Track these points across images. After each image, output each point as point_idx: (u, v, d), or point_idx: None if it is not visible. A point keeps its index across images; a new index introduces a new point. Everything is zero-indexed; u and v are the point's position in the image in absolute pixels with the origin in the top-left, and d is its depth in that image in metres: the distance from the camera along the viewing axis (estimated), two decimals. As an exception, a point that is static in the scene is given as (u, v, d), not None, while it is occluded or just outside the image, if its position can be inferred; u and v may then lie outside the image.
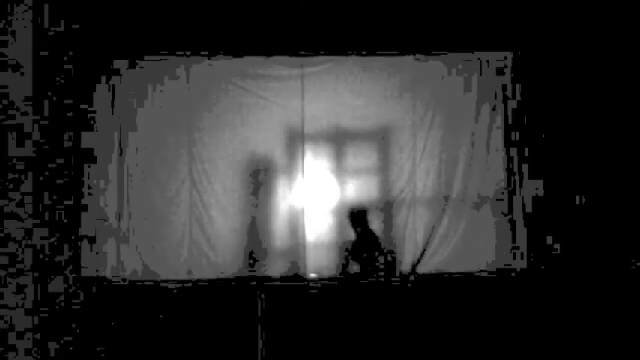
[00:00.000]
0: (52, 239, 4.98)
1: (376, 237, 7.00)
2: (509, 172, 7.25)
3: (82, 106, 6.54)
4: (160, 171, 7.07)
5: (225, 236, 7.00)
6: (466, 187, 7.26)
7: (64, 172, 5.38)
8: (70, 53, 5.71)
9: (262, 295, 5.23)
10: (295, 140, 7.26)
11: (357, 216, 7.07)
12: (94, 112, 6.92)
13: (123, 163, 7.02)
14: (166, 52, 7.03)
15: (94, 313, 5.06)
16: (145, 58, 7.08)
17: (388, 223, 7.18)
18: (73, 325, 4.84)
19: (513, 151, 7.24)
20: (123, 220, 6.95)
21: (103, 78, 6.99)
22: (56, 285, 4.94)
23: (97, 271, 6.64)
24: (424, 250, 7.21)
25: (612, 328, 4.86)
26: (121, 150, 7.03)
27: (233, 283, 6.52)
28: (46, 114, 5.05)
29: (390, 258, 6.94)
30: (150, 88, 7.11)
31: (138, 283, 6.64)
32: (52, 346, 4.60)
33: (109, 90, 7.02)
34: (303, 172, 7.26)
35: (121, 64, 7.05)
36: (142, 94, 7.09)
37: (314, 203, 7.24)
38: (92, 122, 6.91)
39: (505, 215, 7.22)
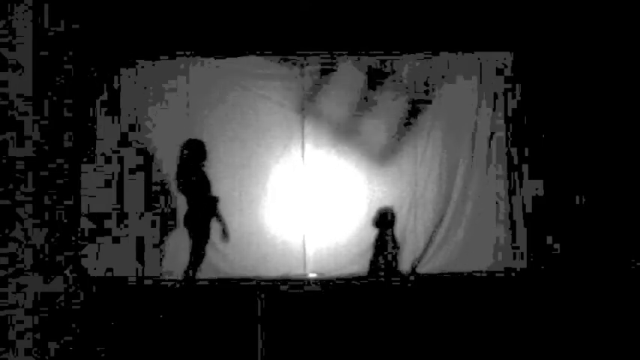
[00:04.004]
0: (52, 239, 4.98)
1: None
2: (510, 172, 7.25)
3: (82, 107, 6.53)
4: (160, 171, 7.07)
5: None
6: (466, 187, 7.27)
7: (64, 172, 5.38)
8: (70, 53, 5.71)
9: (262, 295, 5.22)
10: (296, 139, 7.26)
11: (390, 218, 7.02)
12: (94, 112, 6.92)
13: (122, 163, 7.02)
14: (167, 53, 7.04)
15: (94, 313, 5.06)
16: (146, 58, 7.09)
17: (388, 223, 7.18)
18: (73, 325, 4.84)
19: (513, 151, 7.24)
20: (120, 220, 6.96)
21: (103, 79, 6.99)
22: (56, 285, 4.94)
23: (94, 269, 6.65)
24: (425, 251, 7.20)
25: (612, 328, 4.86)
26: (120, 150, 7.03)
27: (233, 283, 6.53)
28: (46, 114, 5.06)
29: (390, 258, 6.94)
30: (150, 88, 7.12)
31: (138, 283, 6.64)
32: (52, 346, 4.60)
33: (109, 90, 7.02)
34: (303, 171, 7.26)
35: (120, 64, 7.05)
36: (142, 94, 7.09)
37: (314, 203, 7.24)
38: (92, 122, 6.91)
39: (505, 215, 7.22)
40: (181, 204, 6.21)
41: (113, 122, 7.00)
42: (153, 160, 7.05)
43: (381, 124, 7.29)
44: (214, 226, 5.81)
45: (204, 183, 5.78)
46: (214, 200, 5.78)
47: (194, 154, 5.78)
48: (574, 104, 6.93)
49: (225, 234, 5.77)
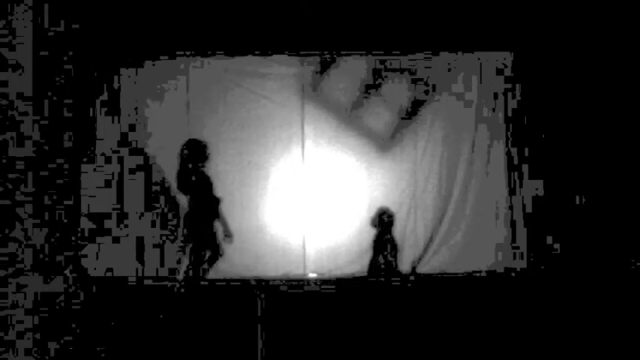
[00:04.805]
0: (52, 239, 4.98)
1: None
2: (510, 172, 7.25)
3: (82, 107, 6.53)
4: (159, 171, 7.07)
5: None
6: (466, 187, 7.27)
7: (64, 172, 5.38)
8: (70, 53, 5.70)
9: (262, 295, 5.22)
10: (295, 139, 7.26)
11: (389, 218, 6.99)
12: (94, 112, 6.92)
13: (122, 163, 7.01)
14: (167, 53, 7.04)
15: (94, 313, 5.06)
16: (146, 58, 7.08)
17: (388, 223, 7.17)
18: (73, 325, 4.84)
19: (513, 151, 7.24)
20: (120, 220, 6.95)
21: (103, 79, 6.98)
22: (56, 285, 4.94)
23: (94, 269, 6.64)
24: (425, 251, 7.20)
25: (612, 328, 4.86)
26: (120, 150, 7.02)
27: (233, 283, 6.52)
28: (46, 114, 5.05)
29: (389, 257, 6.93)
30: (150, 89, 7.11)
31: (138, 283, 6.64)
32: (52, 346, 4.60)
33: (109, 90, 7.02)
34: (303, 170, 7.26)
35: (120, 64, 7.04)
36: (142, 95, 7.09)
37: (314, 203, 7.24)
38: (92, 122, 6.91)
39: (505, 215, 7.22)
40: (181, 204, 6.23)
41: (113, 122, 7.00)
42: (153, 160, 7.05)
43: (381, 124, 7.29)
44: (216, 227, 5.80)
45: (206, 183, 5.77)
46: (216, 201, 5.78)
47: (195, 154, 5.78)
48: (574, 104, 6.93)
49: (227, 234, 5.77)
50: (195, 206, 5.73)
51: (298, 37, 6.96)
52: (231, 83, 7.23)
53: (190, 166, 5.75)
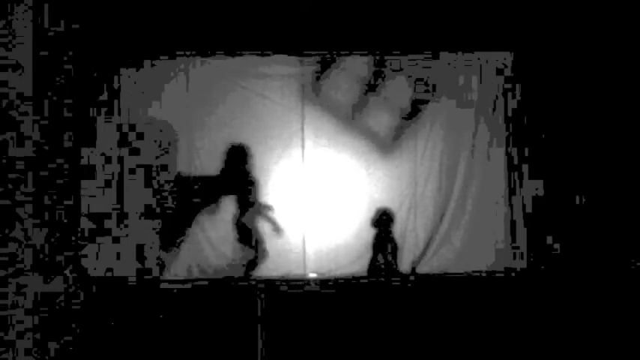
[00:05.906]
0: (52, 239, 4.98)
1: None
2: (510, 172, 7.25)
3: (82, 107, 6.53)
4: (159, 171, 7.06)
5: (226, 236, 6.98)
6: (466, 187, 7.26)
7: (64, 172, 5.38)
8: (70, 53, 5.71)
9: (262, 295, 5.23)
10: (295, 139, 7.25)
11: (388, 218, 7.02)
12: (94, 112, 6.91)
13: (122, 163, 7.01)
14: (167, 53, 7.03)
15: (94, 313, 5.07)
16: (146, 58, 7.08)
17: (388, 223, 7.17)
18: (73, 325, 4.85)
19: (513, 151, 7.23)
20: (120, 220, 6.94)
21: (103, 79, 6.98)
22: (56, 285, 4.94)
23: (95, 269, 6.64)
24: (425, 250, 7.20)
25: (612, 328, 4.87)
26: (120, 150, 7.02)
27: (233, 283, 6.53)
28: (46, 114, 5.06)
29: (389, 258, 6.94)
30: (150, 89, 7.10)
31: (138, 284, 6.64)
32: (52, 346, 4.60)
33: (109, 90, 7.01)
34: (303, 171, 7.25)
35: (120, 64, 7.04)
36: (142, 94, 7.08)
37: (314, 203, 7.24)
38: (92, 122, 6.90)
39: (505, 215, 7.22)
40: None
41: (113, 122, 6.99)
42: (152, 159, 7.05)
43: (381, 125, 7.28)
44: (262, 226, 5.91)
45: (249, 184, 5.85)
46: (259, 204, 5.86)
47: (238, 157, 5.85)
48: (574, 104, 6.93)
49: (276, 229, 5.86)
50: (240, 207, 5.81)
51: (298, 37, 6.95)
52: (231, 83, 7.22)
53: (233, 170, 5.81)
